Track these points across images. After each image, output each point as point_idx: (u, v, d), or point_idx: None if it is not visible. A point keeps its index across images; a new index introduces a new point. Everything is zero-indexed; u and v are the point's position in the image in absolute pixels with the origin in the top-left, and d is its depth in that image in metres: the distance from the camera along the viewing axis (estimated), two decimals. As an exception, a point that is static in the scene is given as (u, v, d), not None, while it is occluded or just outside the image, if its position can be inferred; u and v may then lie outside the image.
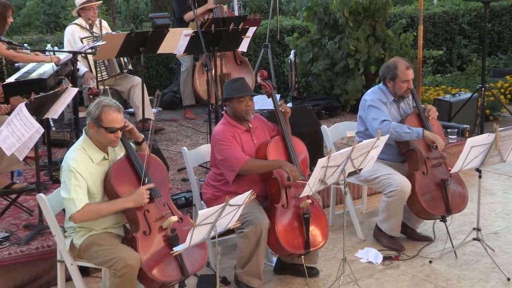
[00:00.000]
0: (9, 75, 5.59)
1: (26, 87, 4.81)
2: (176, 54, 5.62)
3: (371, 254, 4.36)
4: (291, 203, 3.93)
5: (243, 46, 5.38)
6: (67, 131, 5.78)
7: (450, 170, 4.34)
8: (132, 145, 3.63)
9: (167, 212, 3.50)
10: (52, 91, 4.12)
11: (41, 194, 3.57)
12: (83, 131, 3.56)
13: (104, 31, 6.15)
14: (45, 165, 5.20)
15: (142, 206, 3.43)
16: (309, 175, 3.74)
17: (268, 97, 4.23)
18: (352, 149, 3.73)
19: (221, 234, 3.44)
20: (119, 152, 3.58)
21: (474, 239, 4.28)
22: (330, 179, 3.79)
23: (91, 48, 5.34)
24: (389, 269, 4.23)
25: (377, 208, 4.67)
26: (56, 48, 6.47)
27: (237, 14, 7.35)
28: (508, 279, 4.01)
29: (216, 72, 5.39)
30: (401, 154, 4.49)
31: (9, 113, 4.39)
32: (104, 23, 6.34)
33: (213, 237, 3.35)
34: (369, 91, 4.61)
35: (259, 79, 4.26)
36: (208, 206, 3.88)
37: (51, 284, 3.99)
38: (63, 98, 4.13)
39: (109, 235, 3.49)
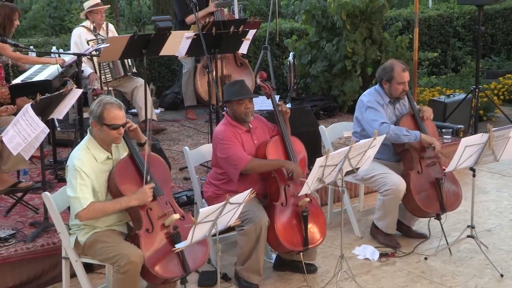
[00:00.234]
0: (15, 77, 5.60)
1: (31, 88, 4.83)
2: (178, 56, 5.64)
3: (368, 251, 4.39)
4: (290, 201, 3.96)
5: (243, 48, 5.40)
6: (71, 131, 5.77)
7: (444, 169, 4.37)
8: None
9: (169, 210, 3.52)
10: (57, 92, 4.13)
11: (47, 193, 3.60)
12: (88, 131, 3.59)
13: (110, 34, 6.17)
14: (51, 164, 5.22)
15: (145, 204, 3.45)
16: (308, 174, 3.75)
17: (268, 98, 4.26)
18: (349, 148, 3.76)
19: (222, 232, 3.46)
20: (123, 152, 3.61)
21: (468, 236, 4.31)
22: (328, 178, 3.82)
23: (96, 50, 5.40)
24: (385, 265, 4.26)
25: (373, 206, 4.69)
26: (61, 50, 6.49)
27: (237, 17, 7.37)
28: (501, 276, 4.04)
29: (217, 74, 5.41)
30: (396, 153, 4.52)
31: (15, 114, 4.42)
32: (111, 26, 6.36)
33: (214, 235, 3.38)
34: (365, 92, 4.64)
35: (258, 81, 4.28)
36: (209, 204, 3.89)
37: (56, 280, 4.02)
38: (68, 99, 4.16)
39: (112, 233, 3.52)
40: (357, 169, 3.96)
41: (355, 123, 4.67)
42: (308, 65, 7.26)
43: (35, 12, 10.01)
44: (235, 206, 3.37)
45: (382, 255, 4.38)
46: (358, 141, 4.09)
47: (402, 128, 4.39)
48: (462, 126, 6.29)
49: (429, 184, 4.43)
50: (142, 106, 5.95)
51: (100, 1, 6.19)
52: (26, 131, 3.68)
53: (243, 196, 3.37)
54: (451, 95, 7.08)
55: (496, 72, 9.35)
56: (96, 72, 5.96)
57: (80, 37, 6.02)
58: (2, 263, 3.88)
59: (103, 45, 5.30)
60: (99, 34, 6.11)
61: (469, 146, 4.06)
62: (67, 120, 6.28)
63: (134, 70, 6.27)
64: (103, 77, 5.87)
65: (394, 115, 4.57)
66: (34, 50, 5.96)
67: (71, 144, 5.26)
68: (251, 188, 3.43)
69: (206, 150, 4.38)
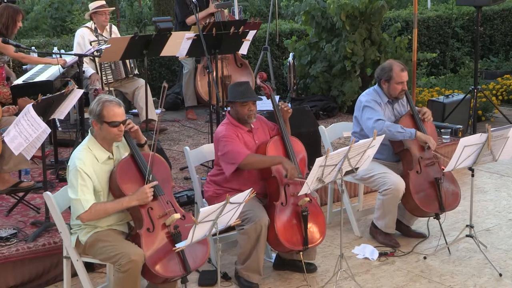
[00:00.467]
0: (17, 77, 5.62)
1: (33, 89, 4.87)
2: (178, 57, 5.67)
3: (367, 251, 4.40)
4: (290, 201, 3.97)
5: (243, 49, 5.42)
6: (73, 131, 5.79)
7: (443, 169, 4.39)
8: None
9: (170, 210, 3.53)
10: (59, 93, 4.15)
11: (48, 192, 3.61)
12: (89, 131, 3.60)
13: (113, 36, 6.18)
14: (52, 164, 5.23)
15: (146, 204, 3.47)
16: (307, 174, 3.76)
17: (268, 99, 4.28)
18: (349, 148, 3.77)
19: (222, 231, 3.47)
20: (124, 152, 3.62)
21: (467, 235, 4.32)
22: (328, 178, 3.83)
23: (97, 51, 5.41)
24: (384, 265, 4.27)
25: (373, 206, 4.71)
26: (62, 51, 6.51)
27: (237, 18, 7.39)
28: (500, 275, 4.05)
29: (217, 74, 5.42)
30: (395, 153, 4.54)
31: (17, 114, 4.46)
32: (114, 28, 6.38)
33: (214, 234, 3.39)
34: (364, 92, 4.65)
35: (258, 81, 4.30)
36: (209, 204, 3.90)
37: (57, 280, 4.04)
38: (69, 99, 4.17)
39: (113, 232, 3.53)
40: (357, 169, 3.97)
41: (354, 123, 4.68)
42: (307, 66, 7.29)
43: (37, 13, 10.03)
44: (235, 206, 3.38)
45: (381, 254, 4.39)
46: (358, 141, 4.10)
47: (396, 125, 4.40)
48: (461, 126, 6.30)
49: (428, 184, 4.44)
50: (143, 106, 5.97)
51: (105, 3, 6.21)
52: (27, 131, 3.70)
53: (243, 196, 3.39)
54: (450, 96, 7.07)
55: (494, 73, 9.38)
56: (98, 73, 5.98)
57: (84, 38, 6.04)
58: (3, 263, 3.90)
59: (104, 46, 5.32)
60: (101, 35, 6.12)
61: (467, 146, 4.07)
62: (68, 120, 6.30)
63: (136, 71, 6.29)
64: (104, 78, 5.90)
65: (393, 115, 4.58)
66: (36, 51, 5.97)
67: (72, 144, 5.29)
68: (251, 188, 3.45)
69: (206, 150, 4.39)
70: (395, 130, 4.37)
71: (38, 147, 3.81)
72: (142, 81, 6.16)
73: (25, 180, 4.76)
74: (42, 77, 5.26)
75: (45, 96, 3.92)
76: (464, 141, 4.07)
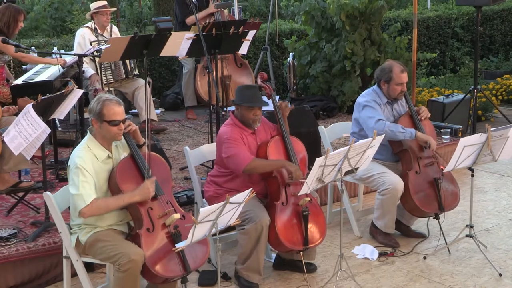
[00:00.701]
0: (17, 77, 5.63)
1: (33, 89, 4.87)
2: (178, 57, 5.68)
3: (367, 251, 4.41)
4: (290, 201, 3.98)
5: (243, 49, 5.41)
6: (72, 131, 5.80)
7: (443, 169, 4.39)
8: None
9: (170, 210, 3.54)
10: (58, 93, 4.15)
11: (48, 192, 3.61)
12: (88, 130, 3.61)
13: (113, 36, 6.18)
14: (52, 164, 5.24)
15: (146, 204, 3.47)
16: (308, 174, 3.77)
17: (268, 99, 4.29)
18: (348, 148, 3.77)
19: (222, 231, 3.47)
20: (122, 152, 3.63)
21: (466, 235, 4.33)
22: (328, 178, 3.83)
23: (96, 51, 5.41)
24: (384, 265, 4.28)
25: (373, 206, 4.71)
26: (62, 51, 6.52)
27: (237, 18, 7.41)
28: (500, 275, 4.06)
29: (217, 74, 5.42)
30: (394, 154, 4.54)
31: (16, 114, 4.47)
32: (115, 28, 6.39)
33: (214, 234, 3.40)
34: (363, 93, 4.66)
35: (259, 81, 4.31)
36: (210, 204, 3.90)
37: (57, 279, 4.04)
38: (69, 99, 4.18)
39: (113, 232, 3.53)
40: (356, 169, 3.98)
41: (353, 123, 4.69)
42: (307, 66, 7.30)
43: (37, 13, 10.05)
44: (235, 206, 3.39)
45: (381, 254, 4.40)
46: (357, 141, 4.11)
47: (397, 125, 4.41)
48: (461, 126, 6.31)
49: (428, 184, 4.45)
50: (143, 106, 5.98)
51: (107, 3, 6.21)
52: (27, 131, 3.70)
53: (243, 196, 3.39)
54: (450, 96, 7.08)
55: (494, 73, 9.39)
56: (98, 73, 5.98)
57: (84, 38, 6.05)
58: (3, 263, 3.90)
59: (104, 46, 5.32)
60: (101, 35, 6.13)
61: (467, 146, 4.08)
62: (68, 120, 6.31)
63: (136, 72, 6.29)
64: (104, 78, 5.90)
65: (392, 116, 4.59)
66: (36, 51, 5.98)
67: (72, 144, 5.29)
68: (251, 188, 3.45)
69: (206, 150, 4.40)
70: (397, 130, 4.38)
71: (38, 147, 3.82)
72: (142, 81, 6.16)
73: (25, 180, 4.77)
74: (42, 77, 5.27)
75: (45, 96, 3.93)
76: (464, 141, 4.07)
